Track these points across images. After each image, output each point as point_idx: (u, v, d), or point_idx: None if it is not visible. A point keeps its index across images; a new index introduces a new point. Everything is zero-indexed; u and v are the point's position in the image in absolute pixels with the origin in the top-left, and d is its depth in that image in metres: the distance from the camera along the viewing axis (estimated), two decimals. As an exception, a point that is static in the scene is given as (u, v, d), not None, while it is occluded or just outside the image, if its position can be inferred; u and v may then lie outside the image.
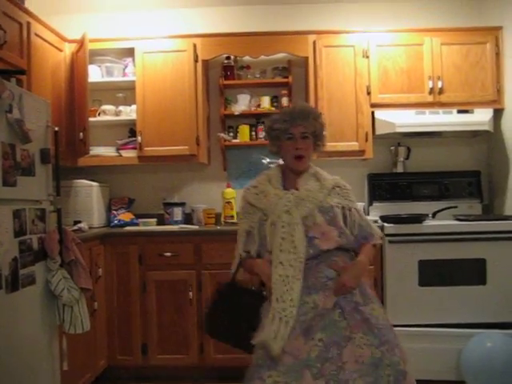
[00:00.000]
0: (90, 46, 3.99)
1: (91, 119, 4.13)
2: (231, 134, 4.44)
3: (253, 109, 4.35)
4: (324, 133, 2.46)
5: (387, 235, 3.69)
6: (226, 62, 4.39)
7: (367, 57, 4.13)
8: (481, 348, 3.39)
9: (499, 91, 4.13)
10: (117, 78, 4.31)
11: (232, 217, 4.24)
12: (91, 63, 4.19)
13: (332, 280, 2.20)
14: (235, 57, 4.39)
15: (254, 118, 4.42)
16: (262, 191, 2.37)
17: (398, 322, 3.65)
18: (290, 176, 2.43)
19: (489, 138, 4.42)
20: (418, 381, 3.54)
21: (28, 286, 2.65)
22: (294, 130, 2.36)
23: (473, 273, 3.67)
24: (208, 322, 2.35)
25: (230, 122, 4.49)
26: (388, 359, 2.11)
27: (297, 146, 2.35)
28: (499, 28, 4.14)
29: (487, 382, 3.31)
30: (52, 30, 3.83)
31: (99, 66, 4.29)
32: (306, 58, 4.18)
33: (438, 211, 4.05)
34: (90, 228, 3.95)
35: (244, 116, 4.38)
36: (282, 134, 2.39)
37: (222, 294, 2.34)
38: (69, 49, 4.09)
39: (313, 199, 2.29)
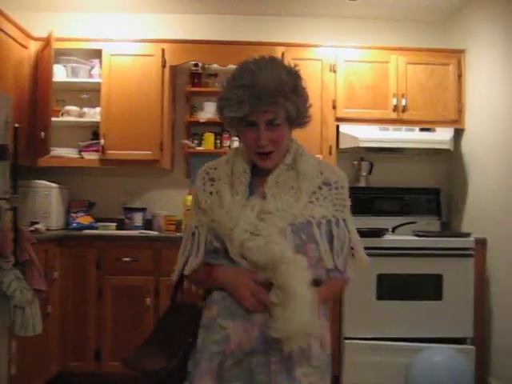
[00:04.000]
0: (57, 45, 3.93)
1: (54, 119, 4.05)
2: (196, 142, 4.41)
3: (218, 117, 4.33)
4: (307, 106, 1.69)
5: (347, 248, 3.71)
6: (193, 68, 4.39)
7: (334, 71, 4.18)
8: (428, 362, 3.42)
9: (460, 112, 4.24)
10: (82, 78, 4.25)
11: (193, 224, 4.20)
12: (57, 62, 4.12)
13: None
14: (203, 64, 4.39)
15: (220, 127, 4.41)
16: (217, 191, 1.69)
17: (355, 335, 3.69)
18: (258, 168, 1.70)
19: (449, 156, 4.51)
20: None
21: (-22, 285, 2.58)
22: (257, 118, 1.59)
23: (430, 288, 3.72)
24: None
25: (195, 130, 4.47)
26: None
27: (260, 143, 1.61)
28: (462, 51, 4.25)
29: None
30: (17, 26, 3.77)
31: (65, 66, 4.22)
32: (274, 70, 4.20)
33: (398, 226, 4.10)
34: (48, 230, 3.86)
35: (209, 124, 4.36)
36: (238, 122, 1.64)
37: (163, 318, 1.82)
38: (34, 46, 4.02)
39: (284, 213, 1.60)
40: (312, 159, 1.74)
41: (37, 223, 3.74)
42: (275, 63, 1.65)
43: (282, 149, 1.68)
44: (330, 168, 1.74)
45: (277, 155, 1.67)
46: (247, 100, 1.57)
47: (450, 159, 4.53)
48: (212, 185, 1.72)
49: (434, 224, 4.38)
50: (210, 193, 1.71)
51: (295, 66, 1.67)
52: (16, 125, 2.93)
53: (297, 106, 1.63)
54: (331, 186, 1.69)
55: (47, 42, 3.91)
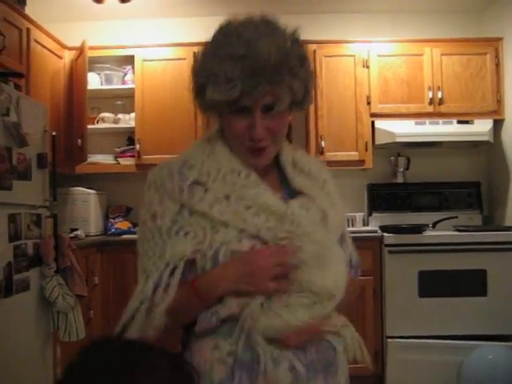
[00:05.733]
0: (90, 54, 3.98)
1: (90, 126, 4.11)
2: (230, 143, 4.41)
3: (252, 118, 4.33)
4: (311, 84, 1.28)
5: (387, 245, 3.66)
6: (225, 70, 4.38)
7: (367, 67, 4.12)
8: (482, 360, 3.34)
9: (499, 102, 4.12)
10: (116, 85, 4.30)
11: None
12: (90, 71, 4.17)
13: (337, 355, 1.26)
14: (235, 66, 4.38)
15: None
16: (231, 191, 1.24)
17: (398, 333, 3.63)
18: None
19: (489, 148, 4.39)
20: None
21: (22, 292, 2.63)
22: (252, 102, 1.19)
23: (473, 284, 3.63)
24: None
25: (229, 131, 4.47)
26: None
27: (255, 135, 1.21)
28: (499, 39, 4.14)
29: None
30: (52, 37, 3.83)
31: (98, 74, 4.28)
32: (306, 67, 4.17)
33: (438, 221, 4.02)
34: (87, 236, 3.91)
35: (243, 125, 4.35)
36: (225, 106, 1.22)
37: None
38: (68, 56, 4.09)
39: (338, 215, 1.33)
40: (306, 152, 1.43)
41: (76, 230, 3.80)
42: (275, 28, 1.23)
43: (280, 141, 1.29)
44: (320, 165, 1.40)
45: (273, 150, 1.27)
46: (240, 77, 1.14)
47: (490, 151, 4.41)
48: (206, 190, 1.24)
49: (475, 218, 4.28)
50: (217, 198, 1.23)
51: (295, 29, 1.27)
52: (53, 133, 2.99)
53: (305, 83, 1.24)
54: (328, 181, 1.37)
55: (81, 51, 3.97)
